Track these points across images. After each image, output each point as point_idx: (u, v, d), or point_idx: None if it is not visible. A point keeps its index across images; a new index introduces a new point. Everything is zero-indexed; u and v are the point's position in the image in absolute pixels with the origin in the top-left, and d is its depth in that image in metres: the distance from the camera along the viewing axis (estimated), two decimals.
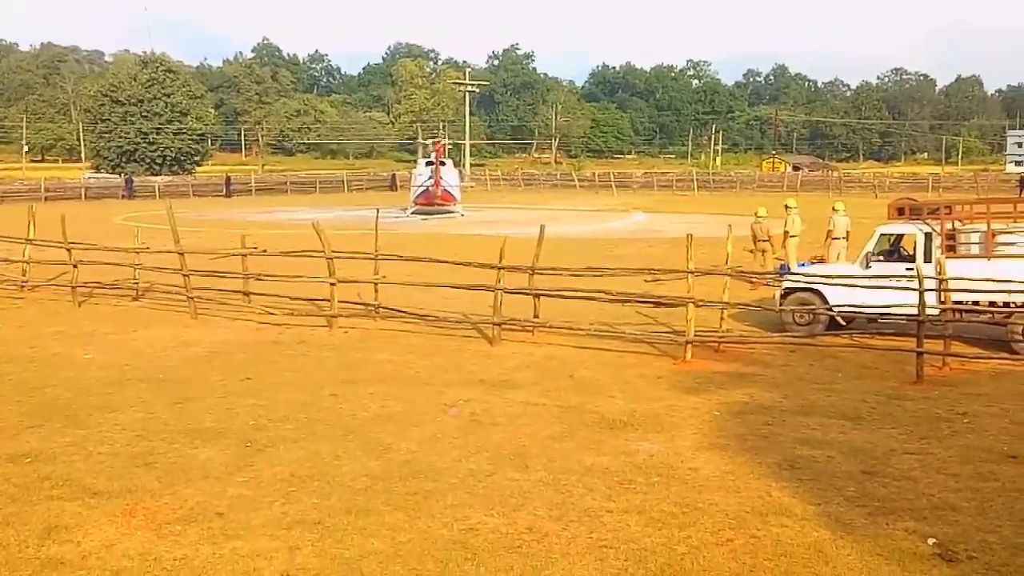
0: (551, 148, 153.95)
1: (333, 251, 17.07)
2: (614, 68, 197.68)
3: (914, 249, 15.87)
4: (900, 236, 16.56)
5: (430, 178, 49.29)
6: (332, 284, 16.94)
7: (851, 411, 11.27)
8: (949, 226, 15.62)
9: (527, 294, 16.04)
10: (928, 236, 15.58)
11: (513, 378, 13.10)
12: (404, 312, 16.96)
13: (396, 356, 14.61)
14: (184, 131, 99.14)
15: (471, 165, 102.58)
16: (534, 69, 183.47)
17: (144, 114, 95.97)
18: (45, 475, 8.91)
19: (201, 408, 11.46)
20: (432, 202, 49.43)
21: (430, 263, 17.12)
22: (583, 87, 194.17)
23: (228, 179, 78.47)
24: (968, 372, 13.31)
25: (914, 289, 13.33)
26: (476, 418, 11.00)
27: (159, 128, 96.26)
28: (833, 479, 8.80)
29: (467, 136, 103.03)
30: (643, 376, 13.25)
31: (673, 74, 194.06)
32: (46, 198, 61.72)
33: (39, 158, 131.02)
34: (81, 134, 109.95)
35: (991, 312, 14.73)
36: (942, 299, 14.06)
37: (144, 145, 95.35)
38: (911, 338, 13.24)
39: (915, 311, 13.20)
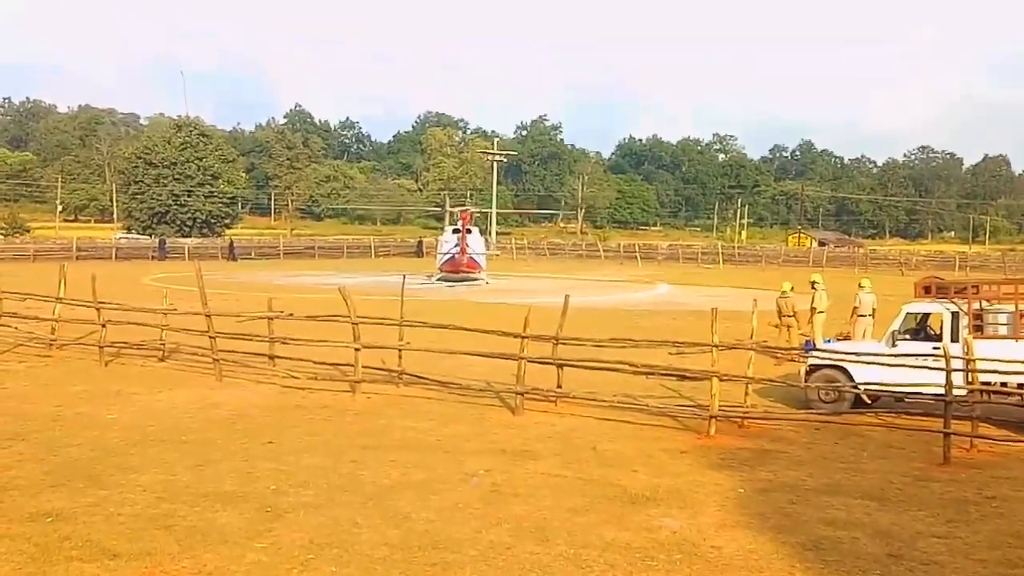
0: (577, 218, 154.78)
1: (358, 316, 17.17)
2: (640, 141, 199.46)
3: (941, 328, 15.78)
4: (927, 315, 16.48)
5: (456, 245, 49.60)
6: (357, 349, 17.01)
7: (877, 492, 11.13)
8: (976, 306, 15.53)
9: (551, 364, 16.01)
10: (955, 315, 15.49)
11: (535, 448, 13.04)
12: (427, 379, 16.97)
13: (418, 423, 14.59)
14: (215, 194, 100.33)
15: (497, 233, 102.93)
16: (561, 140, 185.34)
17: (177, 176, 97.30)
18: (65, 535, 8.92)
19: (222, 471, 11.46)
20: (458, 269, 49.68)
21: (454, 330, 17.18)
22: (609, 159, 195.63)
23: (231, 243, 77.95)
24: (997, 455, 13.12)
25: (941, 369, 13.22)
26: (497, 488, 10.93)
27: (191, 190, 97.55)
28: (858, 561, 8.66)
29: (494, 205, 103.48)
30: (666, 450, 13.15)
31: (699, 147, 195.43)
32: (78, 257, 62.55)
33: (72, 218, 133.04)
34: (114, 195, 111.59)
35: (1020, 394, 14.55)
36: (969, 379, 13.93)
37: (175, 207, 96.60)
38: (938, 418, 13.11)
39: (942, 391, 13.08)
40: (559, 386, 15.95)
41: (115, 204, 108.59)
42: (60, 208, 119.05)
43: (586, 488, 11.03)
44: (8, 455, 12.09)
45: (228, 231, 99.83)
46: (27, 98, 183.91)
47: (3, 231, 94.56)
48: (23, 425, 13.87)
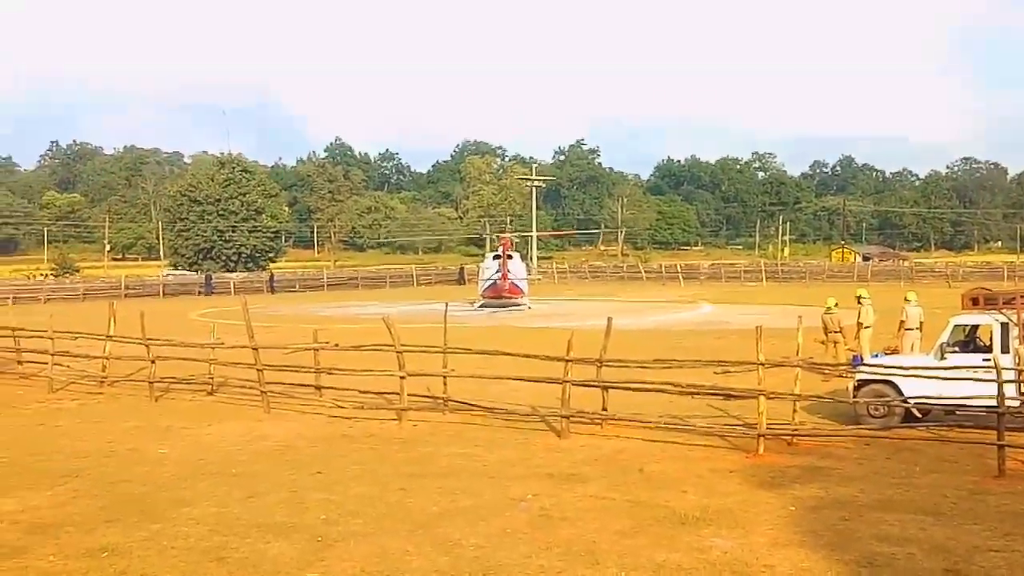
0: (617, 240, 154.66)
1: (403, 345, 17.27)
2: (679, 161, 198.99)
3: (990, 339, 15.54)
4: (976, 327, 16.24)
5: (497, 271, 49.76)
6: (402, 378, 17.09)
7: (931, 506, 10.96)
8: None
9: (595, 386, 15.98)
10: (1005, 326, 15.26)
11: (582, 472, 13.00)
12: (472, 405, 17.02)
13: (465, 449, 14.62)
14: (259, 229, 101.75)
15: (538, 258, 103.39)
16: (599, 164, 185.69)
17: (221, 213, 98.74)
18: (121, 570, 9.05)
19: (272, 502, 11.57)
20: (500, 295, 49.82)
21: (498, 356, 17.21)
22: (648, 180, 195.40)
23: (272, 276, 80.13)
24: None
25: (992, 380, 13.01)
26: (545, 513, 10.92)
27: (235, 226, 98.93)
28: None
29: (534, 229, 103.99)
30: (715, 470, 13.05)
31: (739, 166, 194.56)
32: (126, 295, 63.63)
33: (120, 256, 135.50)
34: (160, 233, 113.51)
35: None
36: (1022, 390, 13.69)
37: (220, 243, 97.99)
38: (991, 430, 12.89)
39: (994, 403, 12.87)
40: (604, 408, 15.92)
41: (161, 242, 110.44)
42: (108, 247, 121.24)
43: (635, 510, 10.98)
44: (64, 491, 12.30)
45: (272, 265, 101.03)
46: (74, 141, 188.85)
47: (54, 272, 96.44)
48: (77, 462, 14.11)
